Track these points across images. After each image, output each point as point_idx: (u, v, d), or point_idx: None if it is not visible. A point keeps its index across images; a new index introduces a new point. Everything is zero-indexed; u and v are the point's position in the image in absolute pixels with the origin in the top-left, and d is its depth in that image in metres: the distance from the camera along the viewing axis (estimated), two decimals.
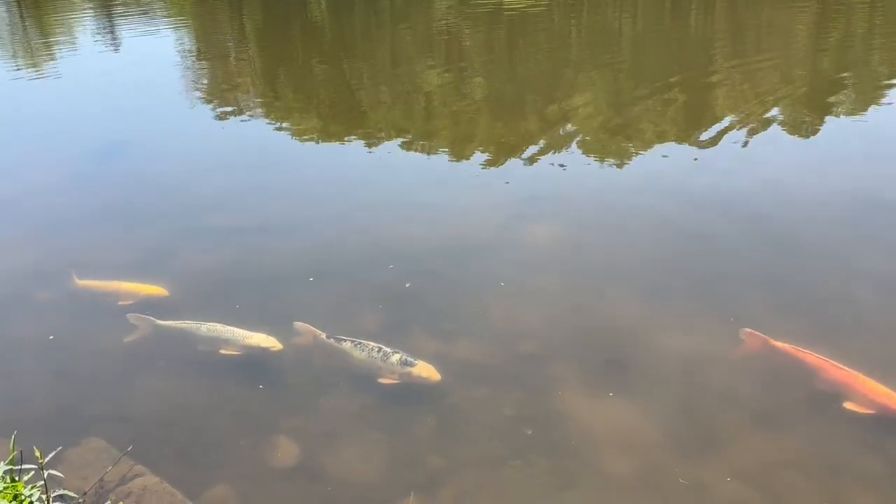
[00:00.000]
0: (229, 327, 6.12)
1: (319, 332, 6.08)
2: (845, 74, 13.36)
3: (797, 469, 4.87)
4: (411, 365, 5.60)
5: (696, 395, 5.56)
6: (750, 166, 9.34)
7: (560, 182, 9.24)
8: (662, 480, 4.83)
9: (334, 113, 12.69)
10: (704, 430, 5.24)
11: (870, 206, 7.99)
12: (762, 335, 5.82)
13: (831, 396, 5.39)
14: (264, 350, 5.95)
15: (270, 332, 6.09)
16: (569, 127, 11.32)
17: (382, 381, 5.61)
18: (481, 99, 13.05)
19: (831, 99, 12.04)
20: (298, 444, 5.21)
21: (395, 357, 5.67)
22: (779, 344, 5.75)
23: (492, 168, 9.81)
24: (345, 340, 5.91)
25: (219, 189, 9.37)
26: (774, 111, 11.30)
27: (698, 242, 7.54)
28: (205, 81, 15.58)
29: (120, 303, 6.70)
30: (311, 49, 18.16)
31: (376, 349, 5.76)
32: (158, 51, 18.30)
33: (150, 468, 4.88)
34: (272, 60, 17.24)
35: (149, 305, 6.64)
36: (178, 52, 18.39)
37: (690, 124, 11.16)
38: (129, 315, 6.44)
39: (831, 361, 5.49)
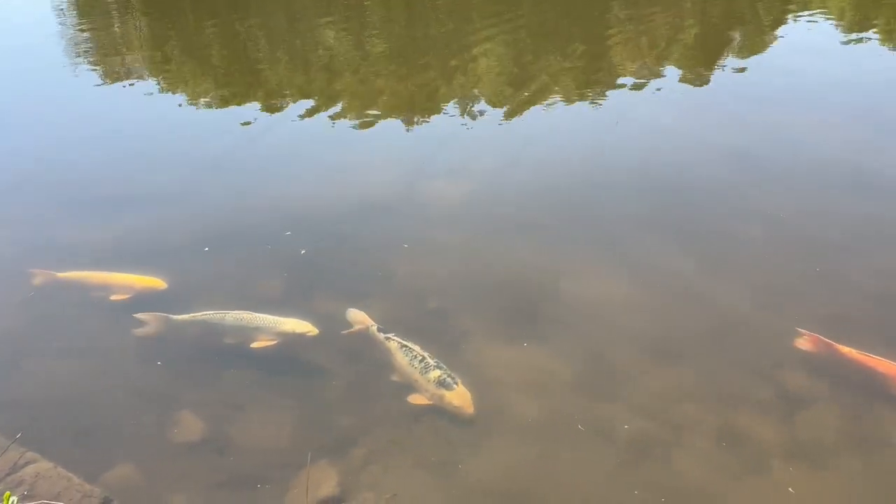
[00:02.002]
0: (257, 314, 5.64)
1: (371, 322, 5.68)
2: (733, 22, 13.83)
3: (693, 401, 5.11)
4: (448, 388, 5.04)
5: (600, 337, 5.72)
6: (645, 116, 9.59)
7: (463, 138, 9.23)
8: (569, 421, 4.98)
9: (229, 75, 12.18)
10: (608, 371, 5.41)
11: (755, 150, 8.35)
12: None
13: (724, 330, 5.68)
14: (300, 336, 5.52)
15: None
16: (471, 83, 11.27)
17: (414, 399, 5.10)
18: (382, 57, 12.81)
19: (721, 47, 12.45)
20: (203, 417, 5.06)
21: (435, 373, 5.12)
22: None
23: (394, 126, 9.69)
24: (392, 339, 5.46)
25: (104, 159, 8.87)
26: (667, 62, 11.61)
27: (597, 190, 7.71)
28: (88, 47, 14.62)
29: (112, 297, 6.07)
30: (201, 9, 17.27)
31: (419, 357, 5.25)
32: (35, 15, 17.01)
33: (43, 454, 4.63)
34: (160, 22, 16.34)
35: (146, 300, 6.05)
36: (57, 16, 17.15)
37: (589, 77, 11.32)
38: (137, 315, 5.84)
39: None
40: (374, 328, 5.64)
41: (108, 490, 4.44)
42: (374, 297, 6.18)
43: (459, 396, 5.03)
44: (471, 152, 8.83)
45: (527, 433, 4.90)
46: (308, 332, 5.56)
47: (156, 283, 6.19)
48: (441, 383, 5.07)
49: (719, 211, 7.16)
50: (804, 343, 5.43)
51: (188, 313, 5.76)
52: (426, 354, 5.28)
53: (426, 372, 5.15)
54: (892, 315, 5.78)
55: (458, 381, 5.11)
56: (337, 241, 6.95)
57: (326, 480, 4.61)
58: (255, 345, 5.52)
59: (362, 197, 7.62)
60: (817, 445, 4.76)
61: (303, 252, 6.67)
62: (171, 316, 5.77)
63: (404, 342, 5.40)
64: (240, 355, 5.56)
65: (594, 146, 8.81)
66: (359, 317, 5.79)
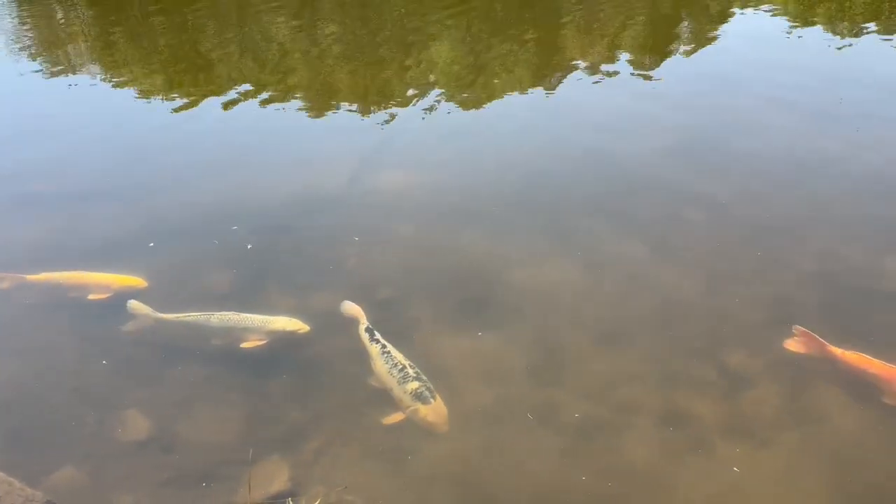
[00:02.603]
0: (245, 314, 5.51)
1: (364, 320, 5.52)
2: (682, 10, 14.03)
3: (639, 383, 5.20)
4: (424, 401, 4.81)
5: (550, 323, 5.78)
6: (594, 103, 9.68)
7: (414, 128, 9.21)
8: (519, 408, 5.02)
9: (176, 67, 11.92)
10: (558, 357, 5.47)
11: (700, 136, 8.50)
12: None
13: (670, 313, 5.79)
14: (290, 334, 5.42)
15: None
16: (423, 72, 11.23)
17: (388, 419, 4.84)
18: (333, 46, 12.68)
19: (669, 35, 12.62)
20: (149, 416, 4.99)
21: (413, 385, 4.89)
22: None
23: (345, 117, 9.61)
24: (376, 342, 5.28)
25: (44, 153, 8.61)
26: (618, 49, 11.73)
27: (547, 178, 7.76)
28: (29, 37, 14.17)
29: (90, 297, 5.86)
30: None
31: (399, 366, 5.03)
32: None
33: None
34: (104, 12, 15.90)
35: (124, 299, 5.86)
36: None
37: (541, 68, 11.37)
38: (130, 303, 5.69)
39: None
40: (363, 327, 5.46)
41: (51, 493, 4.35)
42: (325, 288, 6.15)
43: (434, 412, 4.79)
44: (422, 142, 8.82)
45: (477, 420, 4.93)
46: (299, 329, 5.47)
47: (135, 281, 6.00)
48: (418, 395, 4.84)
49: (665, 196, 7.27)
50: (796, 342, 5.34)
51: (175, 312, 5.63)
52: (408, 364, 5.05)
53: (404, 382, 4.92)
54: (832, 295, 5.95)
55: (437, 395, 4.87)
56: (287, 233, 6.89)
57: (278, 475, 4.58)
58: (244, 345, 5.39)
59: (312, 189, 7.56)
60: (760, 424, 4.88)
61: (249, 247, 6.58)
62: (157, 314, 5.63)
63: (387, 347, 5.20)
64: (185, 352, 5.48)
65: (544, 134, 8.88)
66: (353, 311, 5.65)
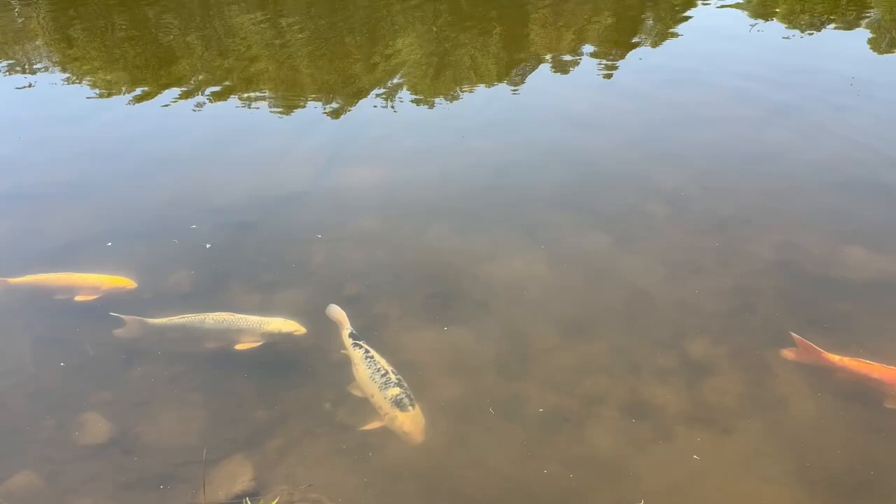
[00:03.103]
0: (240, 315, 5.39)
1: (347, 325, 5.41)
2: (647, 6, 14.14)
3: (603, 374, 5.25)
4: (402, 409, 4.71)
5: (517, 316, 5.80)
6: (560, 99, 9.72)
7: (378, 122, 9.17)
8: (485, 401, 5.04)
9: (137, 63, 11.71)
10: (524, 349, 5.49)
11: (661, 131, 8.58)
12: None
13: (632, 304, 5.85)
14: (287, 336, 5.32)
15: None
16: (389, 67, 11.18)
17: (367, 426, 4.76)
18: (298, 41, 12.55)
19: (634, 30, 12.72)
20: (109, 418, 4.91)
21: (393, 391, 4.79)
22: None
23: (310, 112, 9.53)
24: (359, 348, 5.18)
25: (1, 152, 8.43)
26: (583, 44, 11.79)
27: (512, 173, 7.77)
28: None
29: (77, 298, 5.69)
30: None
31: (381, 371, 4.94)
32: None
33: None
34: (62, 7, 15.56)
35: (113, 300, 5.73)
36: None
37: (507, 62, 11.39)
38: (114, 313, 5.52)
39: None
40: (347, 332, 5.37)
41: (8, 499, 4.27)
42: (290, 285, 6.10)
43: (411, 421, 4.69)
44: (387, 137, 8.77)
45: (442, 415, 4.93)
46: (295, 331, 5.38)
47: (125, 282, 5.84)
48: (397, 402, 4.74)
49: (628, 189, 7.33)
50: (793, 351, 5.30)
51: (164, 316, 5.49)
52: (391, 370, 4.97)
53: (385, 388, 4.82)
54: (791, 284, 6.05)
55: (416, 405, 4.77)
56: (250, 230, 6.81)
57: (241, 475, 4.54)
58: (239, 347, 5.28)
59: (275, 185, 7.49)
60: (721, 412, 4.95)
61: (208, 246, 6.49)
62: (146, 320, 5.45)
63: (370, 353, 5.12)
64: (146, 353, 5.40)
65: (510, 128, 8.90)
66: (337, 315, 5.56)
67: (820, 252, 6.37)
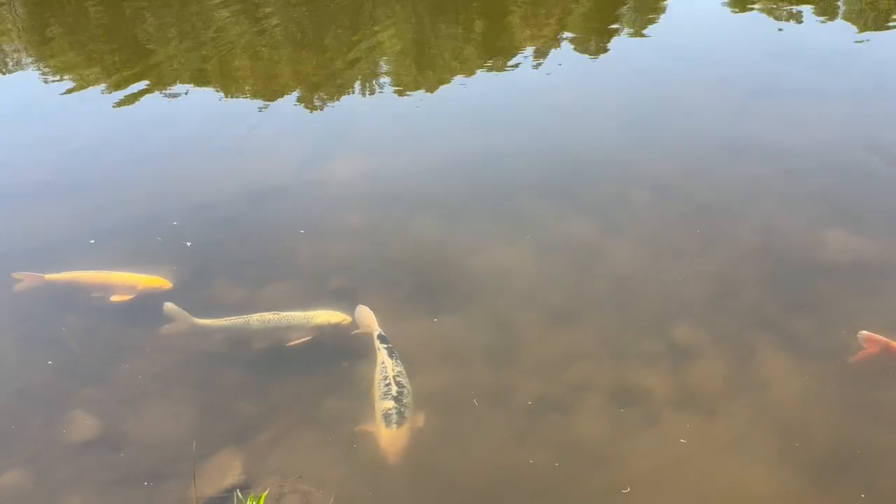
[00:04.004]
0: (285, 313, 5.41)
1: (376, 327, 5.35)
2: None
3: (590, 360, 5.29)
4: (387, 424, 4.62)
5: (504, 306, 5.82)
6: (541, 87, 9.73)
7: (360, 114, 9.14)
8: (472, 391, 5.06)
9: (115, 59, 11.57)
10: (512, 339, 5.53)
11: (642, 119, 8.62)
12: None
13: (618, 291, 5.90)
14: (335, 327, 5.36)
15: None
16: (371, 61, 11.13)
17: (359, 427, 4.73)
18: (279, 35, 12.46)
19: (614, 17, 12.74)
20: (96, 414, 4.90)
21: (387, 404, 4.71)
22: None
23: (291, 107, 9.47)
24: (381, 351, 5.11)
25: None
26: (564, 32, 11.80)
27: (496, 163, 7.78)
28: None
29: (113, 298, 5.64)
30: None
31: (387, 380, 4.84)
32: None
33: None
34: (37, 4, 15.34)
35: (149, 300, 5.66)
36: None
37: (489, 51, 11.37)
38: (166, 305, 5.45)
39: None
40: (376, 334, 5.31)
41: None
42: (275, 280, 6.09)
43: (389, 438, 4.59)
44: (370, 131, 8.73)
45: (429, 404, 4.94)
46: (342, 321, 5.41)
47: (161, 282, 5.79)
48: (385, 416, 4.65)
49: (611, 177, 7.36)
50: (864, 346, 5.14)
51: (212, 318, 5.46)
52: (399, 381, 4.86)
53: (383, 398, 4.76)
54: (774, 268, 6.11)
55: (405, 424, 4.64)
56: (233, 225, 6.78)
57: (231, 468, 4.56)
58: (290, 343, 5.30)
59: (258, 180, 7.44)
60: (707, 395, 5.02)
61: (188, 244, 6.44)
62: (195, 319, 5.43)
63: (388, 358, 5.03)
64: (133, 349, 5.38)
65: (492, 118, 8.89)
66: (366, 318, 5.50)
67: (801, 236, 6.44)
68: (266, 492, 3.53)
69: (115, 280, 5.79)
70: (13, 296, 5.82)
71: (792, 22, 11.77)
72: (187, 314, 5.45)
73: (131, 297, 5.68)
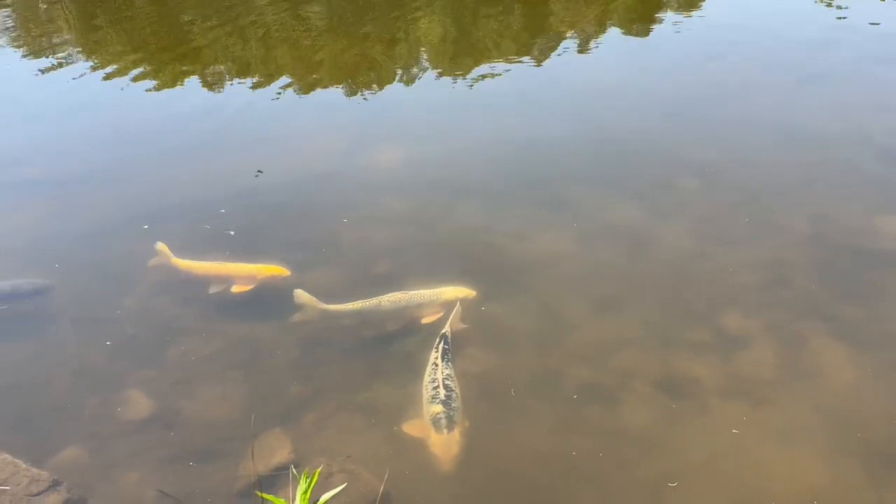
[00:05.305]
0: (413, 292, 5.52)
1: (447, 326, 5.25)
2: None
3: (637, 348, 5.24)
4: (437, 429, 4.50)
5: (549, 292, 5.79)
6: (585, 73, 9.64)
7: (403, 103, 9.16)
8: (519, 375, 5.06)
9: (163, 51, 11.79)
10: (556, 323, 5.50)
11: (689, 105, 8.48)
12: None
13: (664, 278, 5.82)
14: (464, 301, 5.47)
15: None
16: (411, 48, 11.15)
17: (406, 426, 4.64)
18: (320, 24, 12.56)
19: (659, 3, 12.53)
20: (151, 395, 5.02)
21: (436, 408, 4.58)
22: None
23: (334, 95, 9.54)
24: (436, 351, 5.02)
25: (30, 140, 8.51)
26: (606, 18, 11.65)
27: (540, 149, 7.73)
28: (11, 27, 13.99)
29: (234, 288, 5.74)
30: None
31: (435, 383, 4.75)
32: None
33: None
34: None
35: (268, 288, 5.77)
36: None
37: (530, 38, 11.30)
38: (296, 291, 5.52)
39: None
40: (441, 332, 5.21)
41: (57, 473, 4.39)
42: (321, 266, 6.15)
43: (442, 445, 4.44)
44: (413, 117, 8.77)
45: (475, 391, 4.95)
46: (468, 295, 5.53)
47: (279, 271, 5.88)
48: (435, 421, 4.53)
49: (657, 164, 7.27)
50: None
51: (341, 303, 5.53)
52: (448, 383, 4.74)
53: (431, 401, 4.65)
54: (826, 256, 5.99)
55: (456, 428, 4.51)
56: (281, 211, 6.87)
57: (280, 448, 4.62)
58: (424, 321, 5.39)
59: (304, 167, 7.53)
60: (757, 384, 4.93)
61: (231, 233, 6.52)
62: (323, 305, 5.50)
63: (440, 361, 4.91)
64: (186, 331, 5.50)
65: (535, 105, 8.84)
66: (458, 318, 5.40)
67: (855, 224, 6.28)
68: (319, 468, 3.58)
69: (235, 270, 5.88)
70: (212, 286, 5.82)
71: (845, 10, 11.43)
72: (316, 300, 5.51)
73: (252, 286, 5.76)
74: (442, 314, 5.42)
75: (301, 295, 5.53)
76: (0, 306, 5.66)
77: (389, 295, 5.52)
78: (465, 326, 5.38)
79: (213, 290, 5.78)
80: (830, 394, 4.84)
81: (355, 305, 5.49)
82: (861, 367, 4.99)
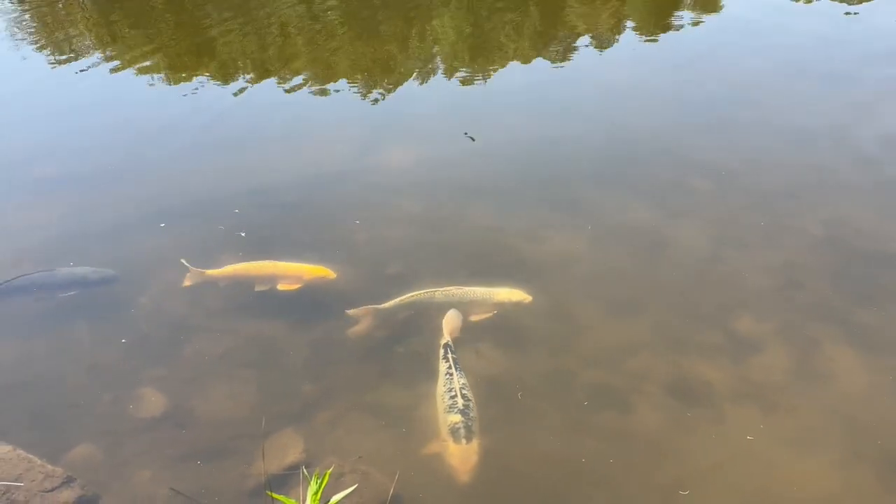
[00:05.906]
0: (468, 288, 5.54)
1: (447, 336, 5.23)
2: None
3: (648, 350, 5.22)
4: (455, 439, 4.46)
5: (562, 293, 5.79)
6: (600, 73, 9.61)
7: (417, 102, 9.17)
8: (531, 378, 5.06)
9: (181, 50, 11.87)
10: (567, 325, 5.49)
11: (703, 105, 8.43)
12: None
13: (677, 280, 5.78)
14: (516, 305, 5.47)
15: None
16: (427, 47, 11.16)
17: (426, 448, 4.55)
18: (336, 23, 12.60)
19: (674, 3, 12.47)
20: (164, 392, 5.05)
21: (454, 418, 4.54)
22: None
23: (349, 94, 9.56)
24: (446, 361, 5.00)
25: (45, 138, 8.57)
26: (621, 18, 11.61)
27: (553, 150, 7.73)
28: (31, 28, 14.12)
29: (280, 287, 5.72)
30: None
31: (452, 392, 4.70)
32: None
33: (3, 437, 4.59)
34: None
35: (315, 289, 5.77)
36: None
37: (544, 37, 11.28)
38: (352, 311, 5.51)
39: None
40: (444, 342, 5.20)
41: (70, 469, 4.43)
42: (334, 266, 6.14)
43: (460, 455, 4.40)
44: (426, 116, 8.77)
45: (484, 391, 4.95)
46: (523, 299, 5.50)
47: (325, 272, 5.88)
48: (453, 431, 4.49)
49: (671, 165, 7.25)
50: None
51: (391, 300, 5.55)
52: (464, 392, 4.71)
53: (449, 411, 4.60)
54: (840, 260, 5.94)
55: (475, 438, 4.47)
56: (294, 211, 6.89)
57: (292, 447, 4.64)
58: (473, 318, 5.41)
59: (316, 167, 7.55)
60: (769, 388, 4.90)
61: (242, 234, 6.53)
62: (378, 306, 5.50)
63: (452, 370, 4.87)
64: (199, 329, 5.54)
65: (549, 104, 8.83)
66: (452, 324, 5.37)
67: (869, 227, 6.23)
68: (330, 469, 3.59)
69: (282, 270, 5.86)
70: (258, 286, 5.79)
71: (864, 4, 11.32)
72: (369, 306, 5.49)
73: (298, 286, 5.74)
74: (492, 315, 5.43)
75: (356, 312, 5.51)
76: (68, 292, 5.73)
77: (444, 288, 5.55)
78: (457, 336, 5.30)
79: (258, 288, 5.76)
80: (844, 399, 4.81)
81: (410, 298, 5.50)
82: (875, 371, 4.95)
